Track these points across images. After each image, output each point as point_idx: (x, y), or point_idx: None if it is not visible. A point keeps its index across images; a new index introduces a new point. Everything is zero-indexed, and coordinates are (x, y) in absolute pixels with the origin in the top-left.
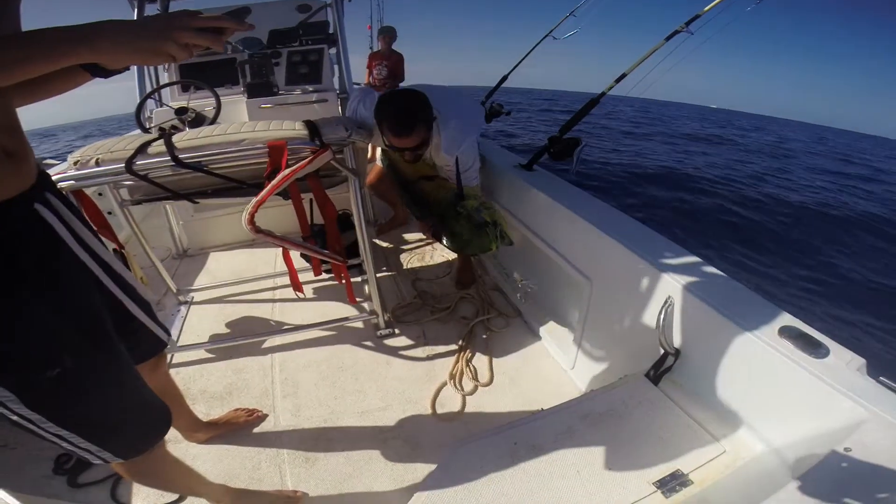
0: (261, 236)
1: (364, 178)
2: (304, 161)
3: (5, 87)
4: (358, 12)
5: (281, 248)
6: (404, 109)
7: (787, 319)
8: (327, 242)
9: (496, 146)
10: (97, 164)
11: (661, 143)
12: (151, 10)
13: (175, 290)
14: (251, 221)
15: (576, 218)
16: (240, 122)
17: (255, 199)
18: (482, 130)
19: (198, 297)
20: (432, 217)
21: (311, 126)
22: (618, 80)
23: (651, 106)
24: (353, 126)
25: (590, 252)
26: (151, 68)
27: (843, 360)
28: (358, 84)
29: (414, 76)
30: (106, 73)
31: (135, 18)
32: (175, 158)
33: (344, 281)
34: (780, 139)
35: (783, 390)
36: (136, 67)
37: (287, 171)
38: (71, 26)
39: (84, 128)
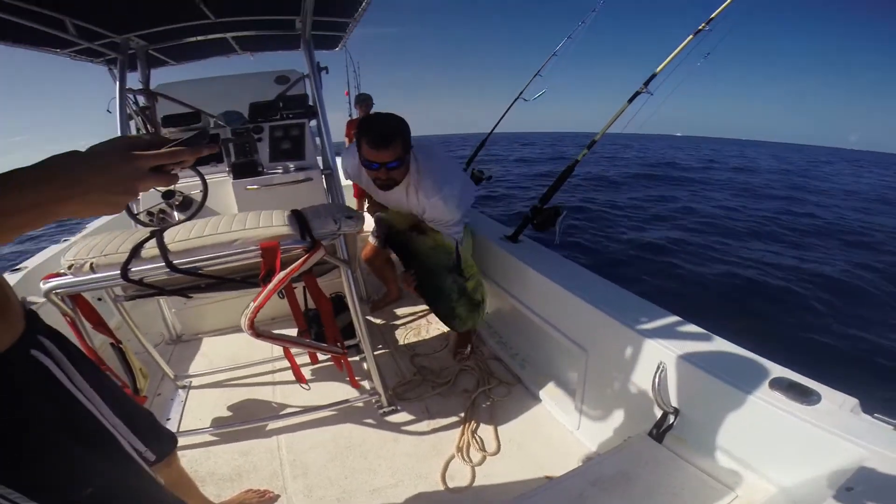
0: (261, 338)
1: (356, 261)
2: (298, 263)
3: None
4: (335, 77)
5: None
6: (384, 124)
7: (777, 371)
8: (326, 336)
9: (481, 215)
10: (92, 269)
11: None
12: (132, 79)
13: (172, 376)
14: (251, 326)
15: (565, 292)
16: (229, 217)
17: (253, 305)
18: (473, 198)
19: (196, 381)
20: (416, 269)
21: (300, 220)
22: (589, 147)
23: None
24: (342, 216)
25: (583, 324)
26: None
27: (836, 404)
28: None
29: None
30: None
31: (94, 157)
32: (169, 264)
33: (345, 368)
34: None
35: (783, 438)
36: None
37: (281, 274)
38: (35, 182)
39: None
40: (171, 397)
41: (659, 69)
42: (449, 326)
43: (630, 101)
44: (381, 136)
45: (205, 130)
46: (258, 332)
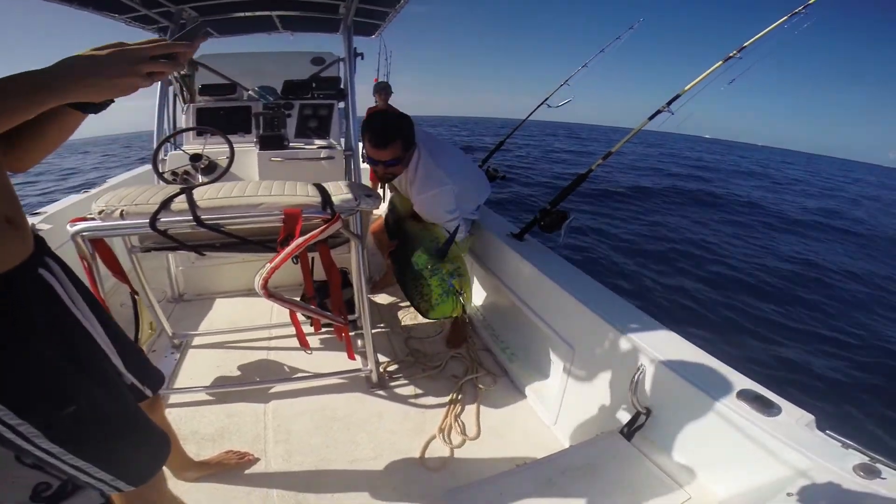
0: (272, 300)
1: (366, 239)
2: (316, 231)
3: None
4: (368, 64)
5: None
6: (385, 125)
7: (745, 383)
8: (332, 306)
9: (490, 211)
10: (122, 216)
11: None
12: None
13: (170, 333)
14: (265, 286)
15: (561, 291)
16: (255, 182)
17: (269, 266)
18: (486, 194)
19: (193, 341)
20: (398, 241)
21: (323, 193)
22: (605, 158)
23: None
24: (362, 194)
25: (573, 322)
26: (169, 108)
27: (794, 418)
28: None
29: (423, 107)
30: (95, 108)
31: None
32: (197, 219)
33: (344, 339)
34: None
35: (741, 445)
36: (156, 105)
37: (300, 239)
38: (37, 72)
39: (120, 140)
40: (165, 354)
41: (683, 91)
42: (415, 308)
43: (651, 118)
44: (381, 137)
45: (196, 27)
46: (270, 292)
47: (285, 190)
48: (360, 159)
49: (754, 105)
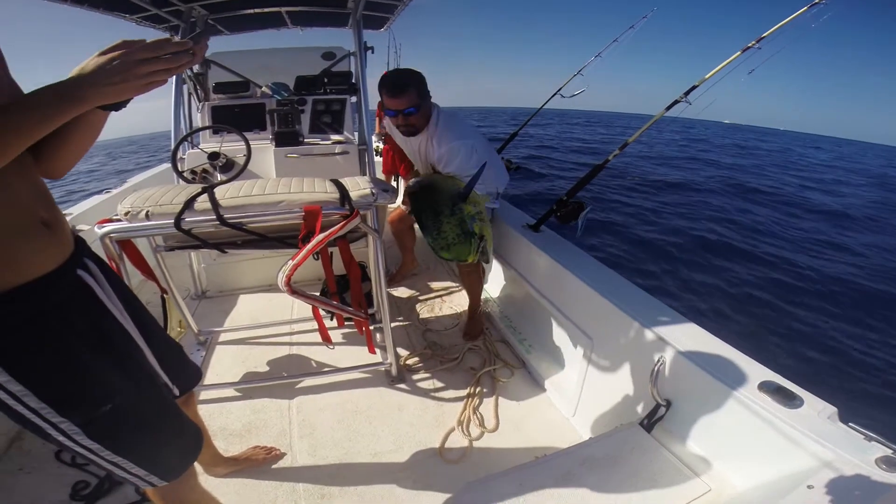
0: (296, 296)
1: (383, 233)
2: (336, 227)
3: (27, 160)
4: (378, 57)
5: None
6: (398, 76)
7: (766, 374)
8: (351, 301)
9: (506, 203)
10: (147, 217)
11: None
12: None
13: (196, 330)
14: (288, 283)
15: (579, 282)
16: (275, 180)
17: (291, 263)
18: (504, 180)
19: (217, 338)
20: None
21: (341, 189)
22: (621, 148)
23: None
24: (379, 189)
25: (591, 313)
26: (185, 107)
27: (816, 410)
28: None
29: (434, 98)
30: (116, 106)
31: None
32: (220, 217)
33: (364, 333)
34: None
35: (762, 437)
36: (172, 108)
37: (321, 236)
38: (57, 84)
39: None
40: (191, 352)
41: (701, 80)
42: (430, 245)
43: (668, 108)
44: (395, 86)
45: (203, 31)
46: (293, 289)
47: (304, 187)
48: (374, 153)
49: (771, 89)
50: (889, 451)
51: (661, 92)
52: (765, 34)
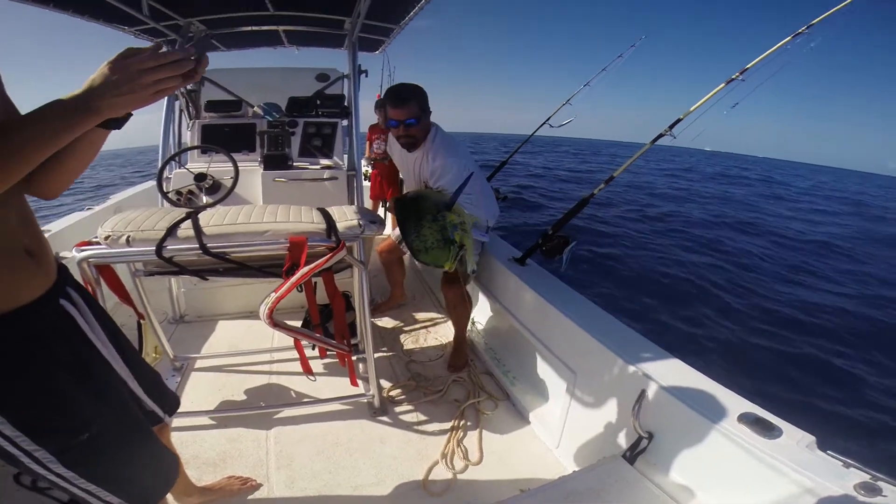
0: (278, 329)
1: (368, 262)
2: (321, 260)
3: (15, 185)
4: (371, 79)
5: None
6: (402, 88)
7: (746, 406)
8: (335, 333)
9: (494, 235)
10: (128, 242)
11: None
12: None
13: (172, 356)
14: (270, 316)
15: (562, 317)
16: (260, 207)
17: (274, 295)
18: (495, 211)
19: (194, 364)
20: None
21: (328, 219)
22: (607, 182)
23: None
24: (366, 220)
25: (574, 348)
26: (175, 124)
27: (794, 440)
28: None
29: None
30: (117, 123)
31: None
32: (203, 247)
33: (347, 365)
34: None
35: (743, 467)
36: (162, 121)
37: (306, 269)
38: (66, 98)
39: (122, 155)
40: (166, 377)
41: (685, 114)
42: (408, 246)
43: (653, 142)
44: (399, 97)
45: (202, 40)
46: (275, 321)
47: (290, 216)
48: (363, 178)
49: (750, 117)
50: (867, 477)
51: (648, 118)
52: (748, 65)
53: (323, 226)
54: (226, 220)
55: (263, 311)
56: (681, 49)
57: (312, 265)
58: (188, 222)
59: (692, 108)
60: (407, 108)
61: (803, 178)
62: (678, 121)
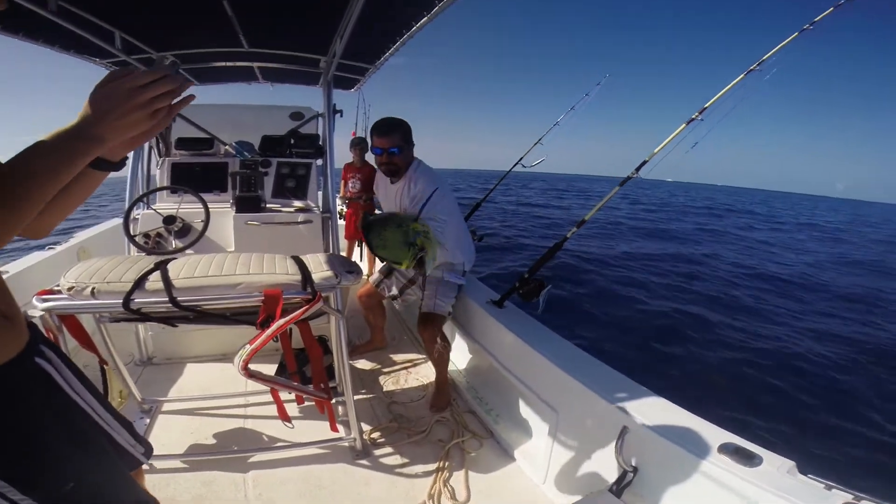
0: (254, 379)
1: (345, 310)
2: (297, 312)
3: None
4: (346, 118)
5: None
6: (388, 120)
7: (725, 437)
8: (313, 381)
9: (472, 278)
10: (93, 294)
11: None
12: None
13: (139, 398)
14: (246, 367)
15: (541, 357)
16: (233, 256)
17: (249, 348)
18: (472, 252)
19: (163, 407)
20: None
21: (303, 269)
22: (579, 226)
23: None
24: (343, 270)
25: (555, 387)
26: (144, 163)
27: (775, 466)
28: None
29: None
30: (115, 165)
31: (95, 110)
32: (173, 300)
33: (326, 412)
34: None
35: (727, 496)
36: (129, 163)
37: (281, 321)
38: (69, 129)
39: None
40: (134, 420)
41: (650, 156)
42: (368, 245)
43: (621, 184)
44: (384, 128)
45: (172, 65)
46: (251, 372)
47: (264, 266)
48: (338, 217)
49: (707, 147)
50: (850, 497)
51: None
52: (706, 105)
53: (298, 277)
54: (196, 271)
55: (238, 363)
56: (646, 82)
57: (288, 318)
58: (157, 273)
59: (656, 150)
60: (391, 138)
61: (763, 203)
62: (644, 163)
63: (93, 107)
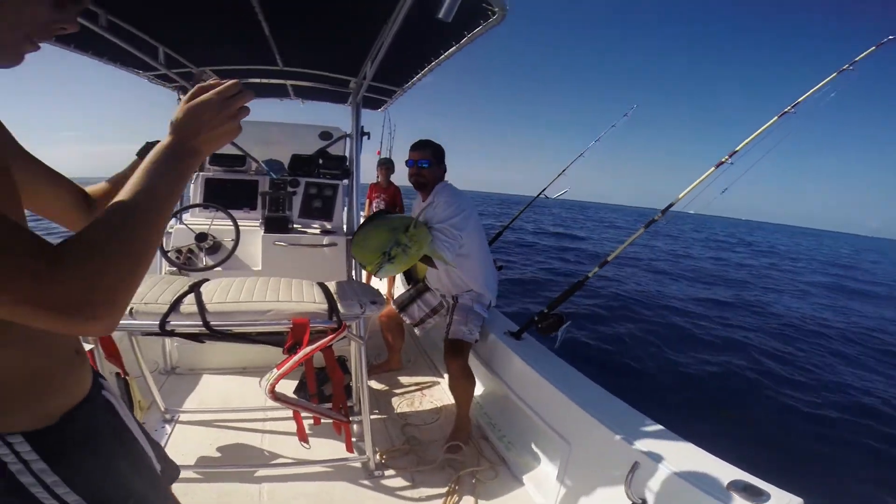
0: (279, 402)
1: (367, 336)
2: (324, 341)
3: None
4: (372, 138)
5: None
6: (425, 139)
7: (735, 473)
8: (333, 404)
9: (494, 310)
10: (131, 314)
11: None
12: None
13: (162, 408)
14: (272, 391)
15: (556, 391)
16: (263, 281)
17: (276, 373)
18: (495, 290)
19: (184, 417)
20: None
21: (329, 299)
22: (601, 265)
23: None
24: (367, 300)
25: (568, 420)
26: None
27: (783, 503)
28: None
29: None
30: None
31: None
32: (206, 324)
33: (343, 432)
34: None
35: None
36: None
37: (308, 349)
38: (169, 146)
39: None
40: (156, 428)
41: (678, 199)
42: (355, 255)
43: (646, 227)
44: (419, 143)
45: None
46: (277, 395)
47: (293, 294)
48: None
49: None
50: None
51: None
52: (737, 148)
53: (325, 306)
54: (229, 295)
55: (265, 385)
56: (676, 113)
57: (315, 346)
58: (191, 296)
59: (681, 195)
60: (422, 152)
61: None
62: (671, 205)
63: (187, 121)
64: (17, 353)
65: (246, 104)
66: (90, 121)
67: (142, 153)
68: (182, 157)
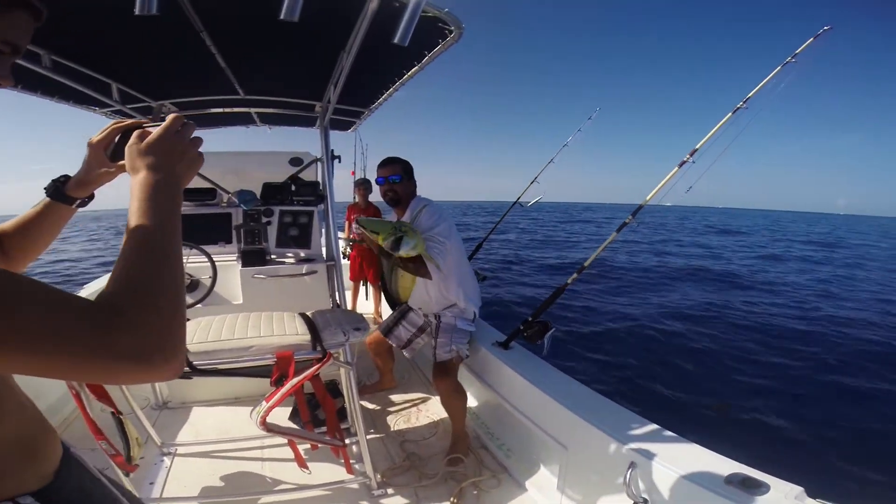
0: (272, 433)
1: (355, 360)
2: (309, 372)
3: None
4: (344, 160)
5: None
6: (392, 157)
7: (732, 466)
8: (327, 430)
9: (480, 320)
10: None
11: None
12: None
13: (159, 442)
14: (264, 422)
15: (547, 397)
16: (244, 317)
17: (266, 405)
18: (477, 295)
19: (181, 450)
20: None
21: (312, 329)
22: (579, 272)
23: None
24: (350, 328)
25: (563, 425)
26: None
27: (783, 493)
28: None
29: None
30: (85, 201)
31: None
32: (190, 364)
33: (340, 456)
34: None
35: None
36: None
37: (295, 380)
38: (155, 182)
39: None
40: (154, 462)
41: (645, 201)
42: (365, 225)
43: (618, 230)
44: (388, 160)
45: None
46: (269, 426)
47: (274, 328)
48: (342, 257)
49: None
50: None
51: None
52: (697, 147)
53: (307, 337)
54: (209, 335)
55: (256, 418)
56: (639, 112)
57: (301, 377)
58: None
59: (648, 198)
60: (392, 167)
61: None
62: (640, 207)
63: (160, 154)
64: (13, 421)
65: (197, 135)
66: (55, 153)
67: (49, 190)
68: (171, 194)
